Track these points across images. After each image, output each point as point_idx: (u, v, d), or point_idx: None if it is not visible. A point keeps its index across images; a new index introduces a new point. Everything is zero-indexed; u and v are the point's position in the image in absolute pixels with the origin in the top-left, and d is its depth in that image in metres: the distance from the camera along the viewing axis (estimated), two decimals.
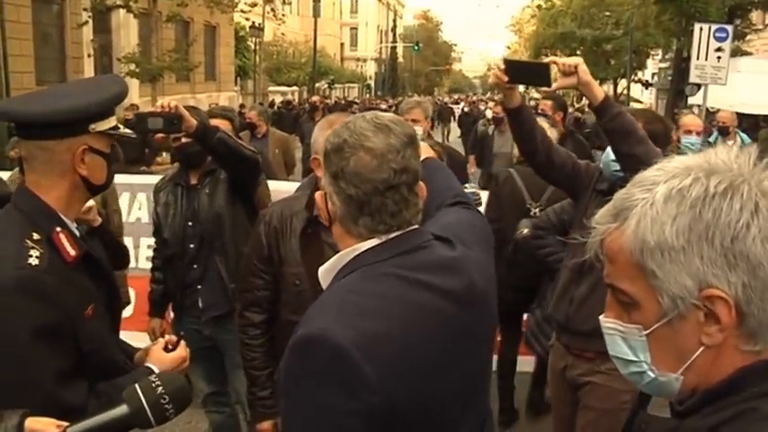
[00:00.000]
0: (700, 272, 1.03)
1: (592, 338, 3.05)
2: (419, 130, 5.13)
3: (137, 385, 1.74)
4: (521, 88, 3.17)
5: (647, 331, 1.09)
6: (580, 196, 3.37)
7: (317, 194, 1.66)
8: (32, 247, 1.85)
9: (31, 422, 1.64)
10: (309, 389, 1.39)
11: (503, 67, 2.89)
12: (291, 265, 2.75)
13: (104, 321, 2.07)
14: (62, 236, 1.93)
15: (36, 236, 1.89)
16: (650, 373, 1.11)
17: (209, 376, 4.03)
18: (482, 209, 4.63)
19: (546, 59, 2.90)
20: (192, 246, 3.86)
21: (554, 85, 2.87)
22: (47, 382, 1.82)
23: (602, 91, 2.91)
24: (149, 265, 4.30)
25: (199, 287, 3.88)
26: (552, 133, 4.04)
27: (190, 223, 3.86)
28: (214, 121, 3.77)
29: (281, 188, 4.73)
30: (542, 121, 3.90)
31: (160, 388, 1.74)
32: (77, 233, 2.04)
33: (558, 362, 3.42)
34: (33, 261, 1.83)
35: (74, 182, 1.99)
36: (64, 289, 1.87)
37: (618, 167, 3.05)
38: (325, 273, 1.64)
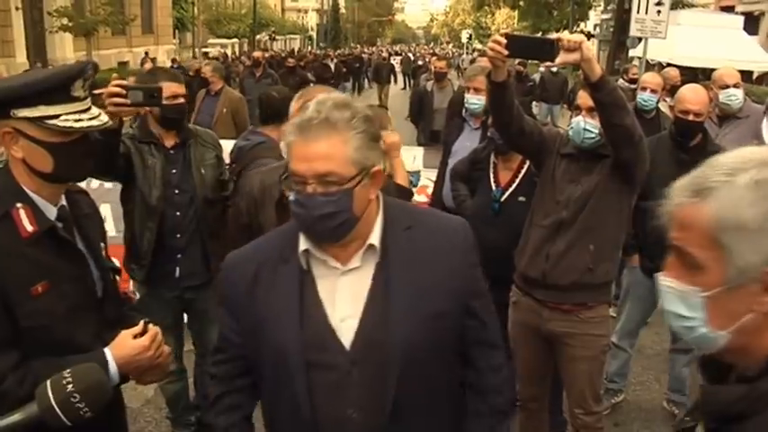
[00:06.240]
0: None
1: (569, 292, 3.40)
2: (481, 100, 4.95)
3: (48, 382, 1.70)
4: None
5: (707, 293, 1.24)
6: (545, 160, 3.52)
7: None
8: None
9: None
10: None
11: (504, 41, 2.89)
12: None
13: (64, 299, 2.05)
14: (22, 212, 1.99)
15: None
16: (702, 329, 1.26)
17: (174, 355, 3.97)
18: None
19: (552, 36, 2.95)
20: (177, 213, 3.76)
21: (557, 60, 2.92)
22: None
23: (599, 68, 3.03)
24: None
25: (179, 256, 3.83)
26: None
27: (176, 191, 3.75)
28: (168, 86, 3.48)
29: (226, 147, 4.50)
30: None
31: (70, 386, 1.68)
32: (50, 212, 2.07)
33: (528, 316, 3.58)
34: None
35: (22, 164, 2.02)
36: (4, 263, 1.93)
37: (591, 135, 3.34)
38: None
